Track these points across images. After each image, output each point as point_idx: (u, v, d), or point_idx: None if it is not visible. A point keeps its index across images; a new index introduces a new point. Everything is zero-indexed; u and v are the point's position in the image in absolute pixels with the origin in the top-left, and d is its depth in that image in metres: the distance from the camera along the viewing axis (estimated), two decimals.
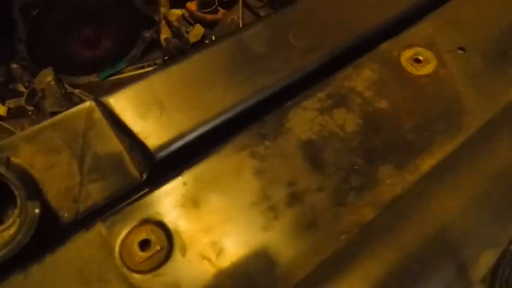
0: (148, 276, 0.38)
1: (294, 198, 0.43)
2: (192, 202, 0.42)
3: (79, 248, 0.39)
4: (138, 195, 0.42)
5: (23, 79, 1.07)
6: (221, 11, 1.56)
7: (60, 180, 0.40)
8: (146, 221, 0.40)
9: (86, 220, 0.39)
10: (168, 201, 0.42)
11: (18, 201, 0.37)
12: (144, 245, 0.39)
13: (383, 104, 0.50)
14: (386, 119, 0.49)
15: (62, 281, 0.37)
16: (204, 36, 1.48)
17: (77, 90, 1.13)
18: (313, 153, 0.46)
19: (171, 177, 0.44)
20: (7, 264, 0.35)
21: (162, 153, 0.44)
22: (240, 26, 1.40)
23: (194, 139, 0.46)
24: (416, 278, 0.39)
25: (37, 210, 0.36)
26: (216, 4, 1.53)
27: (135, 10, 1.53)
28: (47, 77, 0.99)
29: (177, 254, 0.39)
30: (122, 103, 0.46)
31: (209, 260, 0.39)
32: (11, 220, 0.37)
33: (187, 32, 1.48)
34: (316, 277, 0.38)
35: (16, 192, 0.37)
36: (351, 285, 0.38)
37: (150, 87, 0.48)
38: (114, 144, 0.44)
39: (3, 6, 1.02)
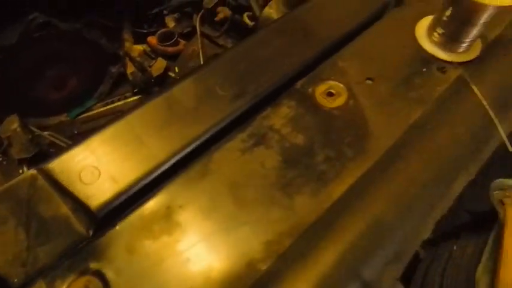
0: None
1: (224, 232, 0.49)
2: (127, 249, 0.47)
3: None
4: (78, 247, 0.47)
5: None
6: (182, 42, 1.62)
7: (7, 248, 0.45)
8: (83, 272, 0.45)
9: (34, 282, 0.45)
10: (105, 250, 0.47)
11: None
12: None
13: (299, 139, 0.56)
14: (301, 153, 0.55)
15: None
16: (166, 69, 1.54)
17: (46, 133, 1.17)
18: (236, 191, 0.52)
19: (108, 228, 0.49)
20: None
21: (104, 211, 0.50)
22: (200, 55, 1.47)
23: (132, 194, 0.52)
24: None
25: None
26: (176, 36, 1.60)
27: (99, 48, 1.58)
28: (12, 124, 1.02)
29: None
30: (62, 168, 0.51)
31: None
32: None
33: (150, 66, 1.53)
34: None
35: None
36: None
37: (87, 151, 0.53)
38: (59, 206, 0.50)
39: None
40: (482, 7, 0.57)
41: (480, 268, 0.64)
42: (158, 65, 1.54)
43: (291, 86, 0.63)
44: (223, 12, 1.50)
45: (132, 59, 1.58)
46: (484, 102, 0.57)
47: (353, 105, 0.60)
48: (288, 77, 0.63)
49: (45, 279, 0.44)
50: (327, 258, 0.46)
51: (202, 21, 1.55)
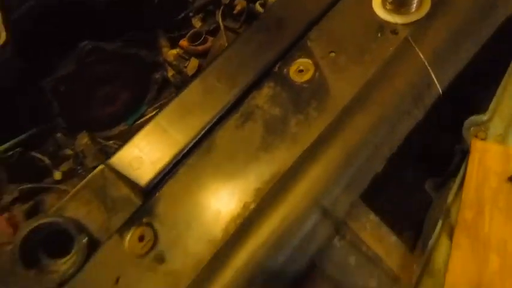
0: None
1: (227, 185, 0.70)
2: (166, 208, 0.70)
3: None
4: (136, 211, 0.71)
5: (68, 144, 1.35)
6: (210, 39, 1.81)
7: (95, 219, 0.70)
8: (140, 225, 0.69)
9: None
10: (152, 210, 0.70)
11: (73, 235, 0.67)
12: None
13: (276, 111, 0.74)
14: (278, 121, 0.73)
15: None
16: (200, 66, 1.74)
17: (111, 142, 1.43)
18: (233, 156, 0.72)
19: (153, 196, 0.72)
20: None
21: (150, 186, 0.73)
22: None
23: (166, 171, 0.74)
24: None
25: (85, 240, 0.67)
26: (204, 35, 1.78)
27: (141, 59, 1.80)
28: (83, 139, 1.29)
29: None
30: (119, 161, 0.75)
31: None
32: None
33: (185, 67, 1.75)
34: None
35: (72, 232, 0.67)
36: None
37: (132, 146, 0.77)
38: (121, 187, 0.73)
39: (36, 92, 1.29)
40: None
41: (451, 195, 0.73)
42: (192, 65, 1.74)
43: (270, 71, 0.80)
44: (240, 4, 1.64)
45: (169, 64, 1.81)
46: (422, 56, 0.70)
47: (318, 77, 0.76)
48: (270, 65, 0.80)
49: (118, 232, 0.69)
50: (295, 194, 0.64)
51: (224, 16, 1.71)
